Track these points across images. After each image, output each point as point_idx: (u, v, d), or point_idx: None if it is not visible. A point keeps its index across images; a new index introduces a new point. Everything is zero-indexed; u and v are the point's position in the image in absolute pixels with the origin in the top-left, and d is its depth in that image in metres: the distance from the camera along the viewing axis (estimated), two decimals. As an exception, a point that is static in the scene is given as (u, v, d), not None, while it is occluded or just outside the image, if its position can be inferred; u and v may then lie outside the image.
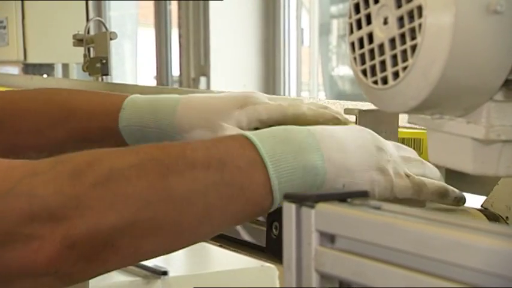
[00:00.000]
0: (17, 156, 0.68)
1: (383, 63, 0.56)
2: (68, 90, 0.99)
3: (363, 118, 0.83)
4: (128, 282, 1.59)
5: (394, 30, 0.54)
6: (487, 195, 0.81)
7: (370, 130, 0.73)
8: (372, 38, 0.57)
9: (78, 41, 2.13)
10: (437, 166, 0.74)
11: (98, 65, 2.03)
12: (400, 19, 0.54)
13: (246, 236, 0.84)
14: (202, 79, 3.29)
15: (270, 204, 0.67)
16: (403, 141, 0.88)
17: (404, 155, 0.74)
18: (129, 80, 4.41)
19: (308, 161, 0.68)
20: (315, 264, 0.51)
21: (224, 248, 0.91)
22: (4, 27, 2.99)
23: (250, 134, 0.69)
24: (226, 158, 0.66)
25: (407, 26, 0.53)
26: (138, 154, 0.66)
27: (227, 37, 3.24)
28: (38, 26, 2.97)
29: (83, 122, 0.90)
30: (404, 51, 0.54)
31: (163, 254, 0.71)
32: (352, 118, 0.86)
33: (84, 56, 2.11)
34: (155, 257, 0.70)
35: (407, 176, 0.71)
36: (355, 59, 0.59)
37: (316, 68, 3.32)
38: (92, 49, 2.12)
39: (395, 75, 0.55)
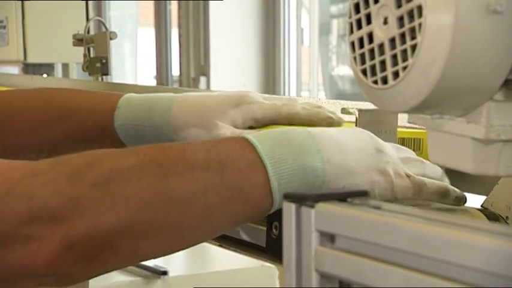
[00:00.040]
0: (17, 157, 0.68)
1: (383, 63, 0.56)
2: (63, 89, 0.99)
3: (363, 118, 0.83)
4: (127, 282, 1.59)
5: (394, 30, 0.54)
6: (487, 195, 0.81)
7: (369, 132, 0.73)
8: (372, 37, 0.57)
9: (78, 40, 2.13)
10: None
11: (98, 64, 2.03)
12: (400, 19, 0.54)
13: (246, 236, 0.84)
14: (202, 79, 3.29)
15: (269, 205, 0.67)
16: (403, 141, 0.88)
17: (404, 156, 0.74)
18: (129, 80, 4.41)
19: (308, 162, 0.68)
20: (315, 264, 0.51)
21: (224, 248, 0.91)
22: (4, 27, 2.99)
23: (249, 136, 0.69)
24: (226, 159, 0.67)
25: (407, 26, 0.53)
26: (137, 155, 0.66)
27: (227, 37, 3.24)
28: (38, 26, 2.97)
29: (79, 121, 0.90)
30: (404, 51, 0.54)
31: (163, 255, 0.71)
32: (350, 118, 0.86)
33: (84, 55, 2.11)
34: (155, 258, 0.70)
35: (408, 176, 0.71)
36: (355, 58, 0.58)
37: (316, 67, 3.32)
38: (91, 49, 2.12)
39: (395, 75, 0.54)
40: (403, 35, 0.54)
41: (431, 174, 0.74)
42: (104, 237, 0.62)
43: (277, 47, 3.24)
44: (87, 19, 2.43)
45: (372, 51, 0.57)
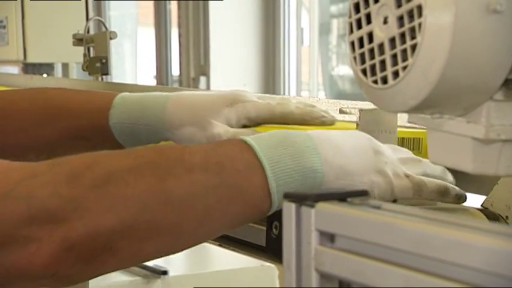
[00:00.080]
0: (16, 157, 0.68)
1: (383, 62, 0.56)
2: (58, 89, 0.99)
3: (363, 117, 0.83)
4: (127, 282, 1.59)
5: (394, 29, 0.54)
6: (487, 195, 0.81)
7: (367, 134, 0.73)
8: (372, 37, 0.57)
9: (78, 40, 2.13)
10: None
11: (98, 64, 2.03)
12: (400, 18, 0.54)
13: (246, 236, 0.84)
14: (202, 79, 3.30)
15: (268, 206, 0.68)
16: (402, 140, 0.88)
17: (402, 156, 0.74)
18: (129, 80, 4.41)
19: (306, 163, 0.68)
20: (315, 264, 0.51)
21: (224, 247, 0.91)
22: (4, 27, 2.99)
23: (248, 137, 0.69)
24: (225, 161, 0.67)
25: (407, 26, 0.53)
26: (136, 157, 0.66)
27: (227, 37, 3.24)
28: (38, 26, 2.97)
29: (73, 120, 0.90)
30: (404, 51, 0.54)
31: (162, 256, 0.71)
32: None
33: (84, 55, 2.11)
34: (154, 259, 0.70)
35: (407, 176, 0.71)
36: (355, 58, 0.58)
37: (316, 67, 3.32)
38: (91, 49, 2.12)
39: (395, 74, 0.54)
40: (403, 35, 0.54)
41: (431, 172, 0.74)
42: (103, 239, 0.62)
43: (277, 47, 3.25)
44: (87, 19, 2.42)
45: (371, 51, 0.57)
